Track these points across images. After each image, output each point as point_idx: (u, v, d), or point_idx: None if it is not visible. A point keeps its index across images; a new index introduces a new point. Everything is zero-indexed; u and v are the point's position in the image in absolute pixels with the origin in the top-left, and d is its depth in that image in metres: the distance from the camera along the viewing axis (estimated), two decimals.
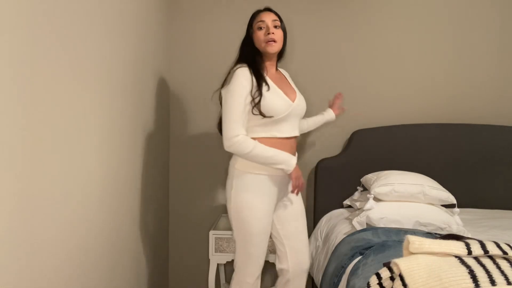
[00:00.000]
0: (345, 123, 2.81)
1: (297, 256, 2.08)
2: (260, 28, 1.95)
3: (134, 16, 2.07)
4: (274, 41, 1.93)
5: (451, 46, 2.79)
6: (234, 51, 2.80)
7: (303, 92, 2.13)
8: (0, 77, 1.06)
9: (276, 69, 2.07)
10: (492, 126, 2.74)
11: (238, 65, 1.91)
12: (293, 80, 2.18)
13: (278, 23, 1.97)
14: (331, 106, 2.42)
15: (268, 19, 1.95)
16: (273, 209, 2.00)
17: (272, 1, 2.76)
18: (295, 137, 2.02)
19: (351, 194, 2.59)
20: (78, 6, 1.46)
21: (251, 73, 1.87)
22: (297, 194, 1.96)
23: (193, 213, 2.89)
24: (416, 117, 2.80)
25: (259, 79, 1.87)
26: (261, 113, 1.85)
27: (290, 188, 2.02)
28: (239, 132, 1.82)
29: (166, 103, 2.76)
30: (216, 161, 2.83)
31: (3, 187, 1.09)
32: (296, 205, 2.10)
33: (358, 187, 2.55)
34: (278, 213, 2.07)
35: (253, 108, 1.85)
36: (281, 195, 2.05)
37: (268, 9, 2.02)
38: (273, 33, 1.93)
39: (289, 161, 1.87)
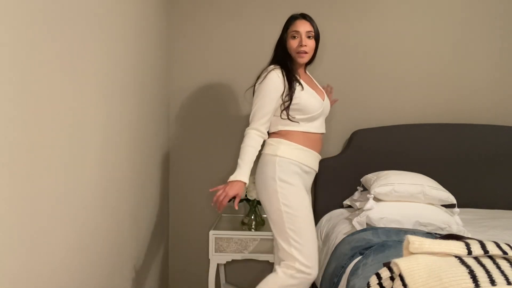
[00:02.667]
0: (345, 123, 2.81)
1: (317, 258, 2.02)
2: (294, 37, 2.03)
3: (134, 17, 2.07)
4: (306, 52, 2.02)
5: (451, 46, 2.79)
6: (233, 51, 2.82)
7: None
8: (0, 77, 1.06)
9: (305, 72, 2.17)
10: (492, 126, 2.74)
11: (272, 66, 2.01)
12: None
13: (312, 33, 2.04)
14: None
15: (303, 29, 2.02)
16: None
17: (272, 1, 2.77)
18: (323, 133, 2.13)
19: (351, 194, 2.59)
20: (78, 7, 1.46)
21: (283, 75, 1.97)
22: (213, 204, 1.91)
23: (193, 213, 2.89)
24: (416, 117, 2.80)
25: (292, 82, 1.97)
26: (289, 118, 1.98)
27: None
28: (254, 127, 1.96)
29: (166, 104, 2.76)
30: (216, 161, 2.83)
31: (3, 187, 1.09)
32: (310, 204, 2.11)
33: (358, 187, 2.55)
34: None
35: (282, 112, 1.98)
36: (308, 191, 2.10)
37: (304, 17, 2.06)
38: (305, 45, 2.00)
39: (236, 175, 1.89)
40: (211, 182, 2.86)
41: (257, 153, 1.97)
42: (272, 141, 2.02)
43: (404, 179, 2.26)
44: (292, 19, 2.06)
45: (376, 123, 2.79)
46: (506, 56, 2.80)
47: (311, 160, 2.05)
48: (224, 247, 2.51)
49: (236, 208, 1.94)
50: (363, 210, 2.18)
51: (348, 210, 2.58)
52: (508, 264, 1.20)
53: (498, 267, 1.18)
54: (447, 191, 2.25)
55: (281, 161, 1.97)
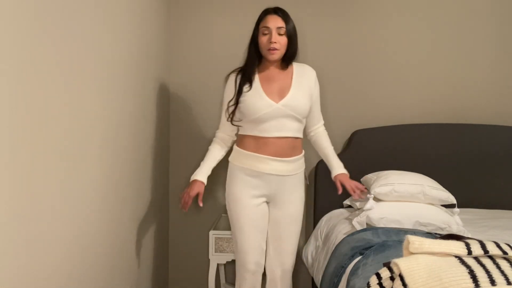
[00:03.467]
0: (345, 123, 2.81)
1: (280, 258, 2.10)
2: (265, 34, 1.96)
3: (134, 17, 2.07)
4: (276, 49, 1.95)
5: (451, 46, 2.79)
6: (234, 51, 2.81)
7: None
8: (1, 77, 1.06)
9: (283, 68, 2.05)
10: (492, 126, 2.74)
11: (232, 72, 2.07)
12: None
13: (283, 30, 1.95)
14: (341, 181, 2.21)
15: (273, 25, 1.94)
16: (262, 205, 2.07)
17: (268, 2, 2.77)
18: (290, 137, 2.01)
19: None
20: (78, 7, 1.46)
21: (236, 82, 2.01)
22: (180, 206, 2.08)
23: (193, 213, 2.89)
24: (416, 117, 2.80)
25: (242, 85, 1.99)
26: (232, 122, 2.03)
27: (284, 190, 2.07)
28: (218, 132, 2.14)
29: (166, 104, 2.76)
30: None
31: (3, 187, 1.09)
32: (293, 209, 2.10)
33: None
34: (272, 214, 2.10)
35: (227, 118, 2.04)
36: (275, 194, 2.07)
37: (276, 12, 1.98)
38: (275, 42, 1.94)
39: (196, 174, 2.08)
40: (211, 182, 2.86)
41: (219, 153, 2.12)
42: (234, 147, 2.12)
43: (404, 179, 2.26)
44: (263, 14, 1.99)
45: (377, 123, 2.79)
46: (506, 56, 2.80)
47: (259, 164, 2.00)
48: (224, 247, 2.51)
49: (200, 205, 2.06)
50: (363, 210, 2.18)
51: (348, 210, 2.58)
52: (508, 264, 1.20)
53: (498, 267, 1.18)
54: (447, 191, 2.25)
55: (231, 168, 2.09)
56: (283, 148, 2.01)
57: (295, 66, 2.09)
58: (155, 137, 2.48)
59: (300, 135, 2.09)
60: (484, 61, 2.80)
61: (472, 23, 2.79)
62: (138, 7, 2.14)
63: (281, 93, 2.00)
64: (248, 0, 2.74)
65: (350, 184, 2.17)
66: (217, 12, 2.79)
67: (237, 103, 1.99)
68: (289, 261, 2.13)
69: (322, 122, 2.25)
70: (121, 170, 1.94)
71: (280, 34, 1.95)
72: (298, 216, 2.13)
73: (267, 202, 2.11)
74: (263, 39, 1.96)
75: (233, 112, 2.01)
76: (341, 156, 2.72)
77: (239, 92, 1.98)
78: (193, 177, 2.07)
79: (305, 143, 2.20)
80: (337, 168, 2.20)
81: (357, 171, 2.60)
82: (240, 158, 2.04)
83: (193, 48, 2.81)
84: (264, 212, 2.09)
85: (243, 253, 2.07)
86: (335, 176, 2.19)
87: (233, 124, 2.04)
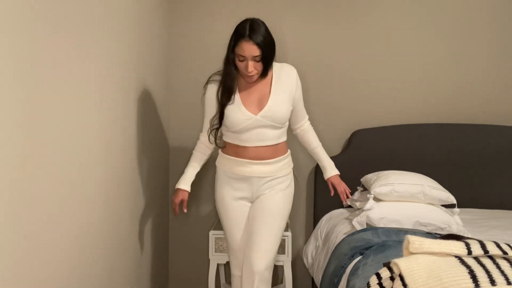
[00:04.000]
0: (345, 123, 2.81)
1: (250, 255, 2.00)
2: (241, 60, 1.92)
3: (134, 18, 2.07)
4: (253, 75, 1.94)
5: (451, 46, 2.79)
6: None
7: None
8: (1, 78, 1.06)
9: (266, 74, 2.00)
10: (492, 126, 2.74)
11: (212, 78, 2.05)
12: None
13: (259, 57, 1.89)
14: (333, 183, 2.24)
15: (249, 53, 1.88)
16: (245, 204, 2.10)
17: (269, 2, 2.77)
18: (270, 145, 2.01)
19: (351, 194, 2.59)
20: (78, 7, 1.46)
21: (218, 92, 2.00)
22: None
23: (193, 213, 2.89)
24: (416, 117, 2.80)
25: (222, 100, 1.98)
26: (215, 142, 2.07)
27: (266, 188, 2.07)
28: (201, 135, 2.15)
29: (166, 104, 2.76)
30: (215, 161, 2.82)
31: (3, 186, 1.09)
32: (271, 204, 2.04)
33: (358, 187, 2.55)
34: (251, 210, 2.09)
35: (210, 132, 2.05)
36: (257, 195, 2.06)
37: (250, 36, 1.87)
38: (251, 70, 1.91)
39: (179, 182, 2.14)
40: (211, 182, 2.86)
41: (202, 158, 2.16)
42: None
43: (404, 179, 2.26)
44: (238, 39, 1.89)
45: (376, 123, 2.79)
46: (506, 56, 2.80)
47: (240, 167, 2.03)
48: (224, 247, 2.51)
49: (185, 211, 2.16)
50: (363, 210, 2.19)
51: (348, 210, 2.58)
52: (508, 264, 1.20)
53: (498, 267, 1.18)
54: (447, 191, 2.25)
55: (217, 171, 2.16)
56: (264, 153, 2.03)
57: (275, 69, 2.04)
58: (155, 137, 2.48)
59: (282, 139, 2.07)
60: (484, 61, 2.80)
61: (472, 23, 2.78)
62: (138, 7, 2.14)
63: (260, 104, 1.98)
64: (247, 1, 2.74)
65: (341, 188, 2.22)
66: (216, 12, 2.79)
67: (220, 121, 2.00)
68: (261, 259, 1.98)
69: (306, 118, 2.21)
70: (121, 170, 1.94)
71: (256, 61, 1.91)
72: (276, 212, 2.04)
73: (252, 202, 2.11)
74: (240, 64, 1.94)
75: (217, 129, 2.03)
76: (341, 156, 2.74)
77: (222, 107, 1.98)
78: (177, 186, 2.13)
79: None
80: (330, 170, 2.23)
81: (357, 171, 2.60)
82: (224, 162, 2.10)
83: (193, 48, 2.81)
84: (247, 213, 2.10)
85: (231, 253, 2.14)
86: (328, 178, 2.23)
87: (216, 144, 2.09)
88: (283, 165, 2.09)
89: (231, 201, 2.09)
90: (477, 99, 2.81)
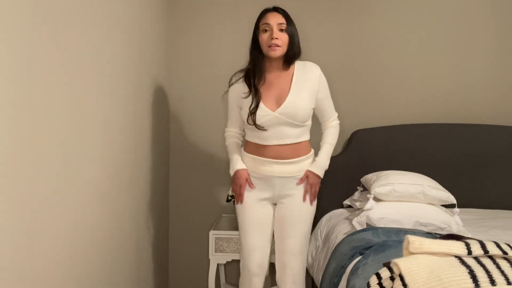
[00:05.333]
0: (345, 123, 2.80)
1: (284, 259, 2.06)
2: (265, 31, 1.94)
3: (134, 19, 2.07)
4: (278, 45, 1.92)
5: (451, 46, 2.79)
6: (233, 53, 2.81)
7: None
8: (1, 77, 1.06)
9: (284, 68, 2.02)
10: (492, 126, 2.74)
11: (235, 77, 2.04)
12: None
13: (284, 26, 1.93)
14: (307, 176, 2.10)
15: (274, 21, 1.92)
16: (267, 206, 2.08)
17: (269, 2, 2.76)
18: (290, 144, 1.99)
19: (351, 194, 2.58)
20: (78, 7, 1.46)
21: (244, 84, 1.99)
22: (234, 199, 2.11)
23: (193, 213, 2.89)
24: (416, 117, 2.80)
25: (253, 90, 1.96)
26: (255, 125, 1.97)
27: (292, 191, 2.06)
28: (228, 129, 2.16)
29: (166, 104, 2.76)
30: (216, 161, 2.82)
31: (3, 186, 1.09)
32: (296, 208, 2.05)
33: (358, 187, 2.55)
34: (276, 214, 2.09)
35: (246, 120, 1.99)
36: (279, 195, 2.06)
37: (276, 9, 1.97)
38: (276, 38, 1.91)
39: (232, 167, 2.08)
40: (211, 182, 2.87)
41: (238, 144, 2.14)
42: None
43: (404, 179, 2.26)
44: (263, 13, 1.98)
45: (377, 123, 2.79)
46: (505, 56, 2.80)
47: (261, 166, 2.01)
48: (224, 247, 2.51)
49: (253, 187, 2.05)
50: (363, 210, 2.18)
51: (348, 210, 2.58)
52: (508, 264, 1.20)
53: (498, 267, 1.18)
54: (447, 191, 2.25)
55: None
56: (284, 152, 2.00)
57: (297, 66, 2.04)
58: (155, 137, 2.48)
59: (304, 139, 2.04)
60: (484, 61, 2.80)
61: (472, 23, 2.78)
62: (138, 9, 2.14)
63: (279, 100, 1.97)
64: (248, 1, 2.74)
65: (309, 186, 2.05)
66: (216, 13, 2.79)
67: (258, 101, 1.96)
68: (293, 263, 2.05)
69: (334, 116, 2.15)
70: (121, 170, 1.94)
71: (281, 30, 1.93)
72: (302, 216, 2.06)
73: (275, 204, 2.10)
74: (263, 37, 1.94)
75: (253, 114, 1.96)
76: (341, 156, 2.73)
77: (255, 92, 1.96)
78: (233, 169, 2.06)
79: (312, 141, 2.17)
80: (315, 165, 2.07)
81: (357, 171, 2.60)
82: (245, 161, 2.07)
83: (193, 49, 2.81)
84: (268, 214, 2.08)
85: (246, 254, 2.08)
86: (307, 170, 2.07)
87: (255, 124, 1.96)
88: (306, 165, 2.06)
89: (252, 201, 2.05)
90: (477, 99, 2.81)
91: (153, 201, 2.48)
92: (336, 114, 2.18)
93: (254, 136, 2.02)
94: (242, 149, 2.13)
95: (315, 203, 2.11)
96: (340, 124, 2.79)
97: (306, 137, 2.06)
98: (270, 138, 1.98)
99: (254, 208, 2.05)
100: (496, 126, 2.74)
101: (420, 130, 2.73)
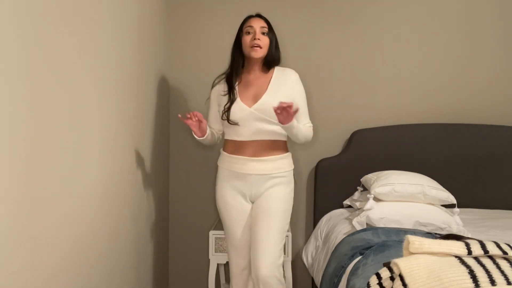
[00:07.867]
0: (345, 123, 2.81)
1: (255, 261, 2.02)
2: (248, 33, 2.07)
3: (134, 17, 2.07)
4: (259, 46, 2.04)
5: (451, 47, 2.79)
6: None
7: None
8: (1, 77, 1.06)
9: (268, 71, 2.11)
10: (492, 126, 2.74)
11: (218, 78, 2.17)
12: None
13: (266, 29, 2.07)
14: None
15: (257, 25, 2.06)
16: (244, 203, 2.11)
17: (269, 2, 2.77)
18: (266, 140, 2.04)
19: (351, 194, 2.59)
20: (78, 6, 1.46)
21: (225, 84, 2.10)
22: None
23: (193, 213, 2.89)
24: (416, 117, 2.80)
25: (230, 91, 2.07)
26: (228, 120, 2.06)
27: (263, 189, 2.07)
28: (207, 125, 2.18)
29: (166, 103, 2.76)
30: (216, 162, 2.82)
31: (3, 187, 1.09)
32: (272, 204, 2.04)
33: (358, 187, 2.55)
34: (253, 212, 2.10)
35: (221, 115, 2.10)
36: (256, 193, 2.07)
37: (259, 16, 2.11)
38: (259, 39, 2.04)
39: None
40: (211, 182, 2.86)
41: (213, 132, 2.18)
42: None
43: (404, 179, 2.26)
44: (247, 18, 2.12)
45: (377, 123, 2.79)
46: (506, 57, 2.80)
47: (237, 165, 2.08)
48: (224, 247, 2.51)
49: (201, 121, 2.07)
50: (363, 210, 2.19)
51: (348, 210, 2.58)
52: (508, 264, 1.20)
53: (498, 267, 1.18)
54: (447, 191, 2.25)
55: (218, 170, 2.19)
56: (260, 149, 2.06)
57: (276, 71, 2.13)
58: (155, 136, 2.48)
59: (281, 138, 2.08)
60: (484, 61, 2.80)
61: (472, 23, 2.78)
62: (139, 6, 2.14)
63: (256, 98, 2.06)
64: (248, 1, 2.74)
65: (282, 107, 1.86)
66: (215, 11, 2.79)
67: (232, 98, 2.06)
68: (264, 262, 1.99)
69: (307, 120, 2.13)
70: (121, 170, 1.94)
71: (263, 33, 2.05)
72: (277, 212, 2.04)
73: (252, 202, 2.11)
74: (246, 38, 2.06)
75: (227, 111, 2.06)
76: (341, 156, 2.74)
77: (231, 92, 2.07)
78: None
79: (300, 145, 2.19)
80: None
81: (357, 171, 2.60)
82: (223, 160, 2.15)
83: (193, 47, 2.81)
84: (247, 212, 2.11)
85: (229, 251, 2.16)
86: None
87: (228, 120, 2.06)
88: (282, 164, 2.09)
89: (231, 200, 2.11)
90: (477, 99, 2.81)
91: (153, 201, 2.48)
92: (311, 123, 2.15)
93: (232, 133, 2.10)
94: (221, 149, 2.19)
95: (290, 202, 2.10)
96: (340, 124, 2.82)
97: (283, 137, 2.11)
98: (246, 134, 2.05)
99: (233, 206, 2.11)
100: (496, 126, 2.74)
101: (420, 130, 2.73)
